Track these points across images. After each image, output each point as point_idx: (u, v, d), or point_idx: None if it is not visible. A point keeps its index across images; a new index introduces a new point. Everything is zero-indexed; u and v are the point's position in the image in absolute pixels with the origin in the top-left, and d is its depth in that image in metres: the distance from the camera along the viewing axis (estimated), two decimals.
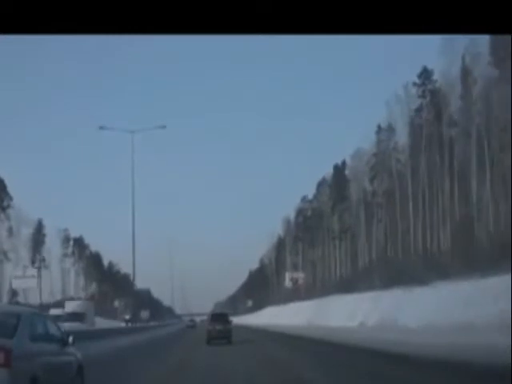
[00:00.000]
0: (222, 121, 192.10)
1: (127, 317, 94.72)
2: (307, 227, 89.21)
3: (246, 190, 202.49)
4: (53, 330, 8.50)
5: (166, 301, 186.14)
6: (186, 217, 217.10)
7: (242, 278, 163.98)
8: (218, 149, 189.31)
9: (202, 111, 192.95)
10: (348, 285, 56.21)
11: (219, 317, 30.07)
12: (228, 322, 29.18)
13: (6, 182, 76.76)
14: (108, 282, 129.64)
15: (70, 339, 8.84)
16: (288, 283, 73.16)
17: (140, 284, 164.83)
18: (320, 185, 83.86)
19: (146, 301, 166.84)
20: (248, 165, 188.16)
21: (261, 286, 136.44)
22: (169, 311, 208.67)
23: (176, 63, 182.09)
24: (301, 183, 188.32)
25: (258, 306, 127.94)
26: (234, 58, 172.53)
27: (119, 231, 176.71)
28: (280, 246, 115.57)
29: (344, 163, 75.04)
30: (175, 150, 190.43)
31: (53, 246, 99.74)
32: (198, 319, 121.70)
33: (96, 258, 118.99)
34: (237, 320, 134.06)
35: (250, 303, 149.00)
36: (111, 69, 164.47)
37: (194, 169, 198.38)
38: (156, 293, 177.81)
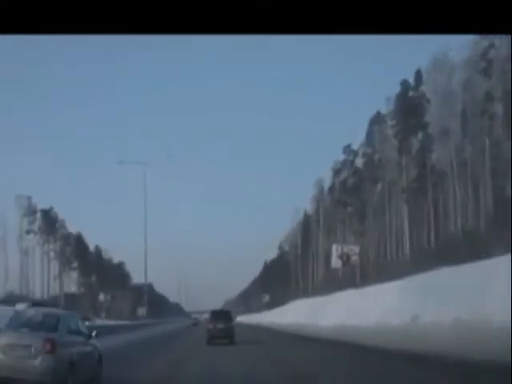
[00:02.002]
0: (223, 120, 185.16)
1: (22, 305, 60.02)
2: (352, 188, 61.87)
3: (253, 183, 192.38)
4: (81, 326, 10.56)
5: (174, 298, 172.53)
6: (195, 214, 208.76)
7: (255, 272, 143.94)
8: (222, 145, 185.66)
9: (202, 111, 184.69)
10: (467, 249, 29.09)
11: (220, 314, 26.71)
12: (230, 320, 25.93)
13: None
14: (96, 271, 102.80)
15: (94, 334, 10.69)
16: (336, 262, 45.98)
17: (143, 279, 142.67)
18: (374, 122, 56.21)
19: (146, 296, 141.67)
20: (255, 158, 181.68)
21: (280, 277, 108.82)
22: (177, 308, 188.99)
23: (176, 63, 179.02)
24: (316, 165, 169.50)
25: (279, 301, 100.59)
26: (234, 58, 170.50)
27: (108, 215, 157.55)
28: (307, 223, 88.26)
29: (418, 74, 47.20)
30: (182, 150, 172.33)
31: (10, 218, 73.84)
32: (203, 317, 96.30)
33: (78, 241, 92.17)
34: (250, 319, 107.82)
35: (266, 298, 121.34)
36: (111, 68, 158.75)
37: (198, 165, 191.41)
38: (164, 290, 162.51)
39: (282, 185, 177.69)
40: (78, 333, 10.11)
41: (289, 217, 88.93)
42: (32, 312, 9.79)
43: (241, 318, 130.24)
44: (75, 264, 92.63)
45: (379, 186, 54.83)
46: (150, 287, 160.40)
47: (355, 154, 61.99)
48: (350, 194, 61.74)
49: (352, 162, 62.11)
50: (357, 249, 46.64)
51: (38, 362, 8.36)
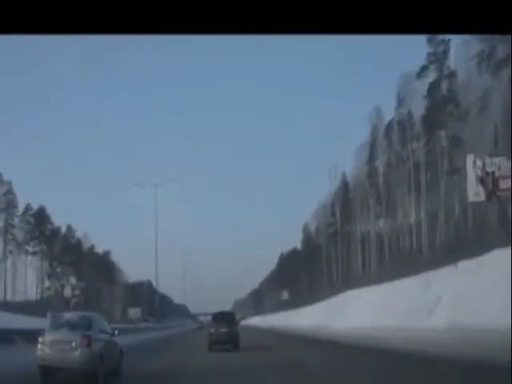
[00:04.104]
0: (225, 119, 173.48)
1: None
2: (443, 102, 36.55)
3: (260, 175, 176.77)
4: (106, 326, 12.24)
5: (180, 299, 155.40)
6: (201, 213, 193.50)
7: (266, 271, 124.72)
8: (223, 145, 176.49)
9: (201, 111, 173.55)
10: None
11: (223, 317, 22.94)
12: (234, 324, 22.50)
13: None
14: (69, 259, 77.82)
15: (116, 332, 12.59)
16: (475, 191, 20.89)
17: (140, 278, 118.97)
18: None
19: (143, 296, 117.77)
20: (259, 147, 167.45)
21: (304, 268, 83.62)
22: (183, 310, 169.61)
23: (177, 63, 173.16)
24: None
25: (304, 297, 75.35)
26: (234, 58, 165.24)
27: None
28: (346, 189, 63.09)
29: None
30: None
31: None
32: (208, 319, 71.99)
33: (40, 216, 67.43)
34: (264, 321, 79.59)
35: (285, 295, 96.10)
36: (111, 68, 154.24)
37: (200, 163, 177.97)
38: (169, 291, 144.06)
39: (293, 170, 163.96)
40: (105, 331, 11.82)
41: (308, 196, 64.08)
42: (69, 315, 11.84)
43: (252, 321, 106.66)
44: (37, 248, 67.51)
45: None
46: (149, 286, 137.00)
47: (446, 44, 36.25)
48: (440, 112, 36.29)
49: (443, 57, 36.17)
50: (510, 165, 21.23)
51: (77, 353, 10.24)
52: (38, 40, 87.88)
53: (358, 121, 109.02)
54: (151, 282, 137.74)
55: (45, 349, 10.35)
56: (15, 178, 78.88)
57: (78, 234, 79.15)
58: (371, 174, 50.79)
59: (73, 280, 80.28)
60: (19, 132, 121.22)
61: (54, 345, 10.34)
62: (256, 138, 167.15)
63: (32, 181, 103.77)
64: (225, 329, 21.72)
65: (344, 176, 62.74)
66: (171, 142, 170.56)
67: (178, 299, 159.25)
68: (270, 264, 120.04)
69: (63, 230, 78.10)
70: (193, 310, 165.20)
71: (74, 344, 10.24)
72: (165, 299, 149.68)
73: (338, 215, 60.79)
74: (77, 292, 61.23)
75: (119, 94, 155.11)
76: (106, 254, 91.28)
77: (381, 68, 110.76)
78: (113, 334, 12.28)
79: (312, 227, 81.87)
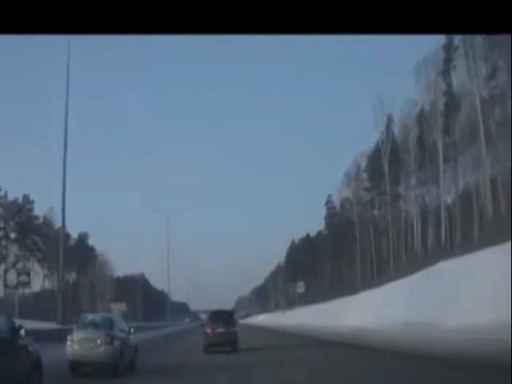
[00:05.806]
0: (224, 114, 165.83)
1: None
2: None
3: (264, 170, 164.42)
4: (124, 325, 13.83)
5: (181, 297, 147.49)
6: (203, 209, 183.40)
7: (272, 266, 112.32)
8: (225, 141, 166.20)
9: (201, 110, 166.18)
10: None
11: (221, 316, 20.94)
12: (232, 323, 20.34)
13: None
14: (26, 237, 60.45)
15: (132, 330, 14.10)
16: None
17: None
18: None
19: (134, 291, 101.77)
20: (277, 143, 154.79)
21: (327, 253, 66.55)
22: (183, 308, 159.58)
23: (178, 64, 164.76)
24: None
25: (332, 289, 58.32)
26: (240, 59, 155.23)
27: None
28: (394, 139, 45.78)
29: None
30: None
31: None
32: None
33: None
34: (274, 320, 51.42)
35: (301, 287, 79.41)
36: (112, 69, 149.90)
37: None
38: (172, 289, 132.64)
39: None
40: (123, 330, 13.34)
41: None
42: (92, 316, 13.56)
43: (259, 320, 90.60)
44: None
45: None
46: (142, 279, 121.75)
47: None
48: None
49: None
50: None
51: (101, 350, 11.81)
52: (38, 40, 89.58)
53: None
54: (145, 276, 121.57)
55: (73, 345, 11.87)
56: None
57: (44, 209, 61.62)
58: (449, 98, 33.14)
59: (36, 267, 63.33)
60: None
61: (81, 342, 11.90)
62: (255, 135, 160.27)
63: None
64: (222, 329, 19.76)
65: (390, 118, 45.29)
66: (170, 140, 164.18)
67: (179, 297, 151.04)
68: (274, 259, 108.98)
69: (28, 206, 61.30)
70: (195, 307, 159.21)
71: (98, 341, 11.89)
72: (161, 296, 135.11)
73: (386, 169, 43.01)
74: (24, 278, 43.63)
75: (118, 94, 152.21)
76: (82, 238, 73.82)
77: None
78: (129, 333, 13.78)
79: (336, 201, 64.79)
